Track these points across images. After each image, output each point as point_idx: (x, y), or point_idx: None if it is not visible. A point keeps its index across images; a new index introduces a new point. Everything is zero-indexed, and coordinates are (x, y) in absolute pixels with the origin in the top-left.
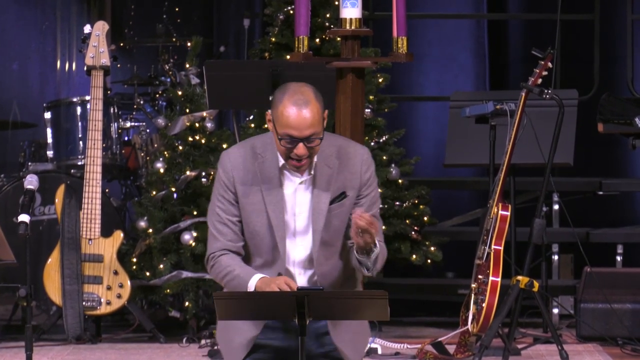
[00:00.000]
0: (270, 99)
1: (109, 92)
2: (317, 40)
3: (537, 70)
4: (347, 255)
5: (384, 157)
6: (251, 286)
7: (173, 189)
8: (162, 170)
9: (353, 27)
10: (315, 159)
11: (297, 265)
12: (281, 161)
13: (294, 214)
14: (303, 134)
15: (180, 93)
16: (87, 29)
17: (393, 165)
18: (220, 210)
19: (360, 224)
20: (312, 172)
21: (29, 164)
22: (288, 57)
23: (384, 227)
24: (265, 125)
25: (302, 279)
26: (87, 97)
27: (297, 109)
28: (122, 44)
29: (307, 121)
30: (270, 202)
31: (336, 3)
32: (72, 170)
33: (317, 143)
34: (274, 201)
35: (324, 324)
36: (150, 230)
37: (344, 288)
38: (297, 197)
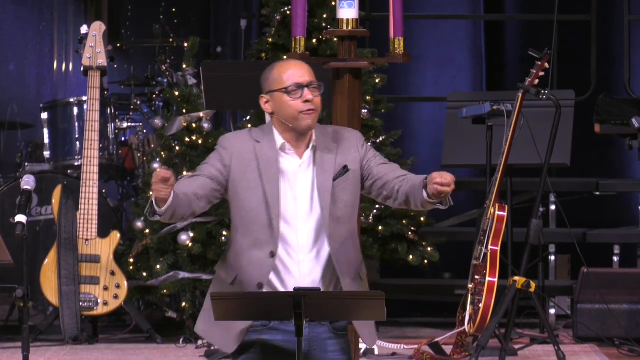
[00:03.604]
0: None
1: (105, 92)
2: (314, 40)
3: (534, 71)
4: (357, 243)
5: None
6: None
7: None
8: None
9: (350, 28)
10: (313, 141)
11: (301, 250)
12: (279, 144)
13: (295, 198)
14: (306, 79)
15: (177, 93)
16: (84, 29)
17: None
18: (202, 166)
19: (441, 189)
20: (311, 152)
21: (26, 164)
22: (285, 57)
23: (380, 228)
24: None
25: (306, 266)
26: (84, 98)
27: (292, 62)
28: (119, 45)
29: (305, 67)
30: (267, 180)
31: (333, 4)
32: (69, 171)
33: (319, 92)
34: (272, 179)
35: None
36: (147, 231)
37: (357, 271)
38: (298, 181)
